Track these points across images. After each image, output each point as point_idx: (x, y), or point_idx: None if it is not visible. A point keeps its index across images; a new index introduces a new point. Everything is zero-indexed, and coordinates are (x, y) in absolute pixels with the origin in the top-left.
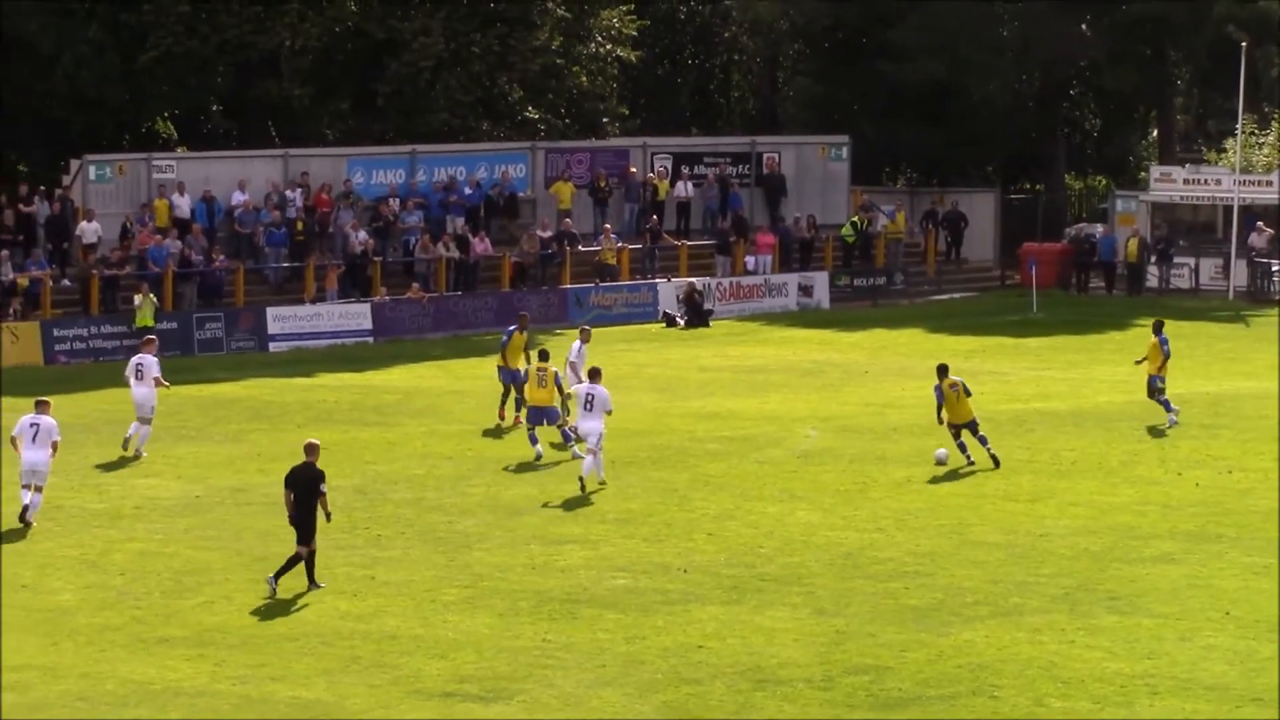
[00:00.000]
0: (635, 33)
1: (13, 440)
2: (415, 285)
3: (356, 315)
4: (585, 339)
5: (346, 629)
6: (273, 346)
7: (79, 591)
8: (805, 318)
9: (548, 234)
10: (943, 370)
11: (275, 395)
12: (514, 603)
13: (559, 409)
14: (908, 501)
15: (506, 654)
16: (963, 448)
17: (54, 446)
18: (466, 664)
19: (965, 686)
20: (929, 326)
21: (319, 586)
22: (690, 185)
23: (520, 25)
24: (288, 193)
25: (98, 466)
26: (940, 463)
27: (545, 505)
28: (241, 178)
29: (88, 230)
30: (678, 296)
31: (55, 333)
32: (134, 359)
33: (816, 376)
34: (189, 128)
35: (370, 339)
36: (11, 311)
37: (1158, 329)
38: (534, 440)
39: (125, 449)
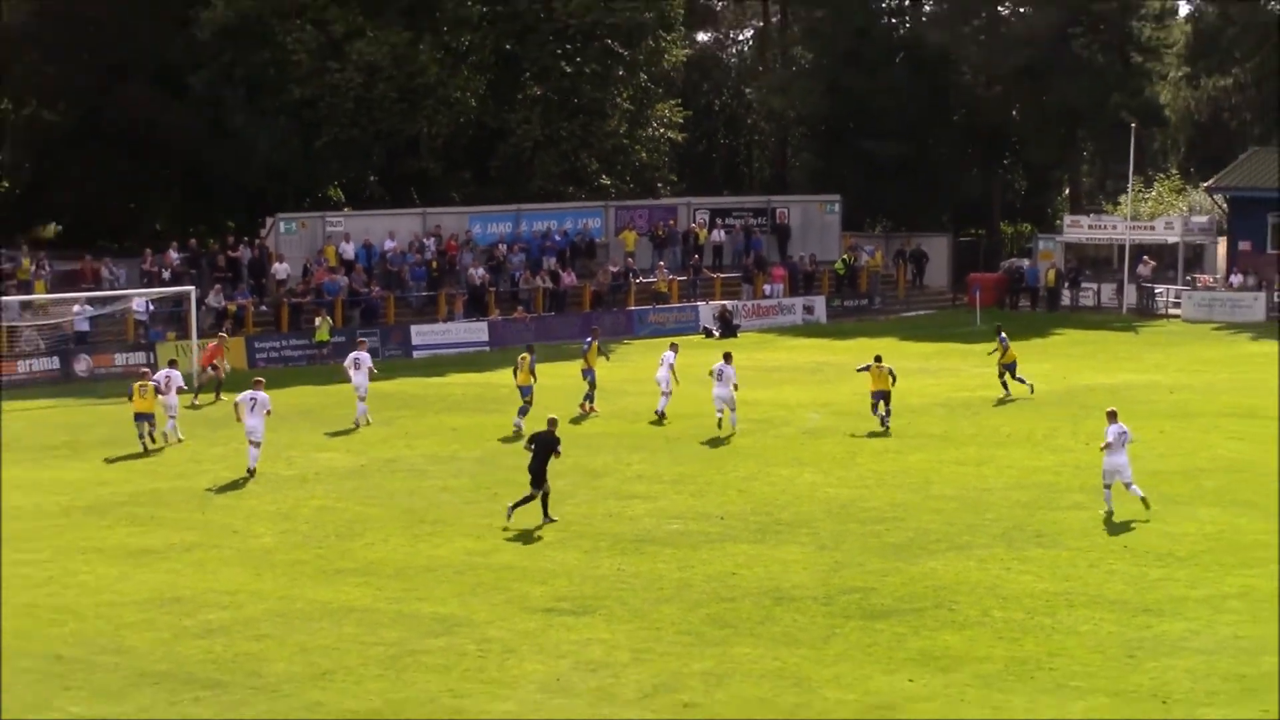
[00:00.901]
0: (681, 120)
1: (235, 406)
2: (520, 308)
3: (477, 331)
4: (675, 350)
5: (473, 562)
6: (415, 354)
7: (276, 535)
8: (808, 330)
9: (617, 269)
10: (878, 358)
11: (418, 390)
12: (595, 542)
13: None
14: (886, 465)
15: (590, 580)
16: (875, 410)
17: (266, 414)
18: (561, 587)
19: (930, 601)
20: (900, 335)
21: (552, 520)
22: (722, 232)
23: (597, 115)
24: (426, 240)
25: (287, 445)
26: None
27: (618, 470)
28: (392, 229)
29: (279, 269)
30: (713, 315)
31: (256, 345)
32: (351, 354)
33: (817, 373)
34: (353, 193)
35: (487, 349)
36: (225, 329)
37: (998, 331)
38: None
39: (356, 425)
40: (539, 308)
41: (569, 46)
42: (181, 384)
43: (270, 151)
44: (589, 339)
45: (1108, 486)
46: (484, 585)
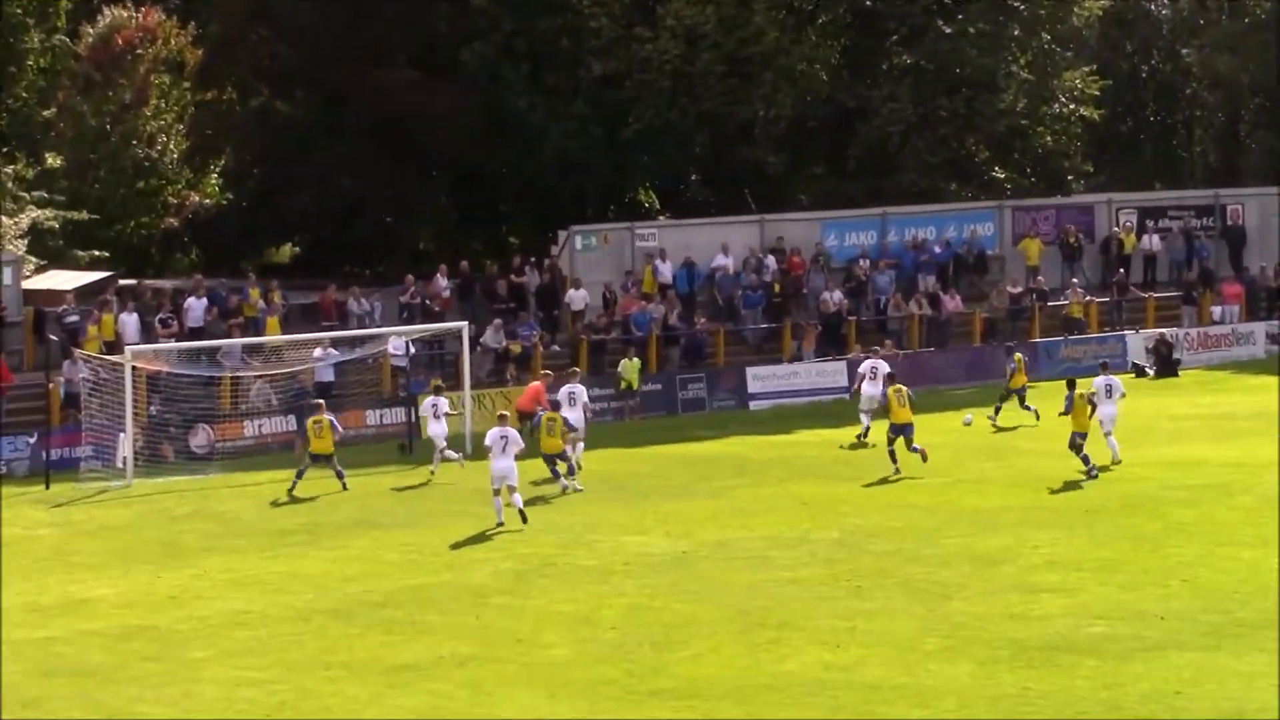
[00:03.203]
0: (1098, 92)
1: (487, 448)
2: (888, 342)
3: (832, 373)
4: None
5: (829, 679)
6: (753, 405)
7: (573, 645)
8: (1272, 365)
9: (1016, 290)
10: None
11: (755, 452)
12: (993, 651)
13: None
14: None
15: (986, 700)
16: None
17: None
18: (948, 712)
19: None
20: None
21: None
22: (1155, 239)
23: (985, 89)
24: (764, 257)
25: (587, 525)
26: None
27: (1021, 554)
28: (721, 242)
29: (576, 298)
30: (1146, 347)
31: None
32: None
33: None
34: (669, 196)
35: (846, 395)
36: (508, 376)
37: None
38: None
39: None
40: (913, 341)
41: (947, 1)
42: (448, 409)
43: (563, 144)
44: (1011, 363)
45: None
46: (844, 710)
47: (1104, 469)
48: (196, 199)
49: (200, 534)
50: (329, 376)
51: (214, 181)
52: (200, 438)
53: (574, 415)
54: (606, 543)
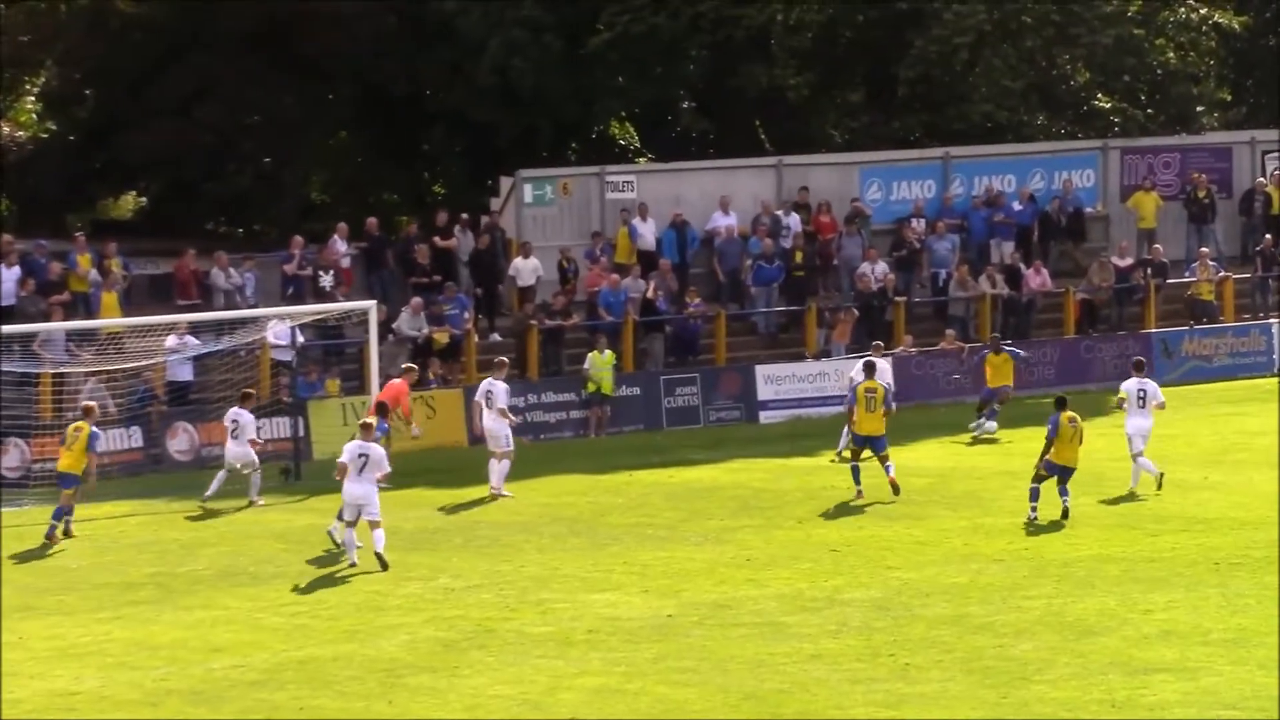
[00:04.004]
0: None
1: (339, 468)
2: (950, 333)
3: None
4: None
5: None
6: (764, 416)
7: None
8: None
9: (1126, 262)
10: None
11: (769, 481)
12: None
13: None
14: None
15: None
16: None
17: (383, 479)
18: None
19: None
20: None
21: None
22: None
23: None
24: (783, 215)
25: (540, 577)
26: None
27: (1127, 622)
28: (722, 195)
29: (523, 269)
30: None
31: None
32: (483, 384)
33: None
34: (653, 131)
35: (893, 404)
36: (431, 375)
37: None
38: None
39: (494, 494)
40: (984, 331)
41: None
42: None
43: (506, 59)
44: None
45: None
46: None
47: (1128, 498)
48: (5, 130)
49: (14, 588)
50: (186, 374)
51: (29, 107)
52: (11, 457)
53: (490, 423)
54: (564, 603)
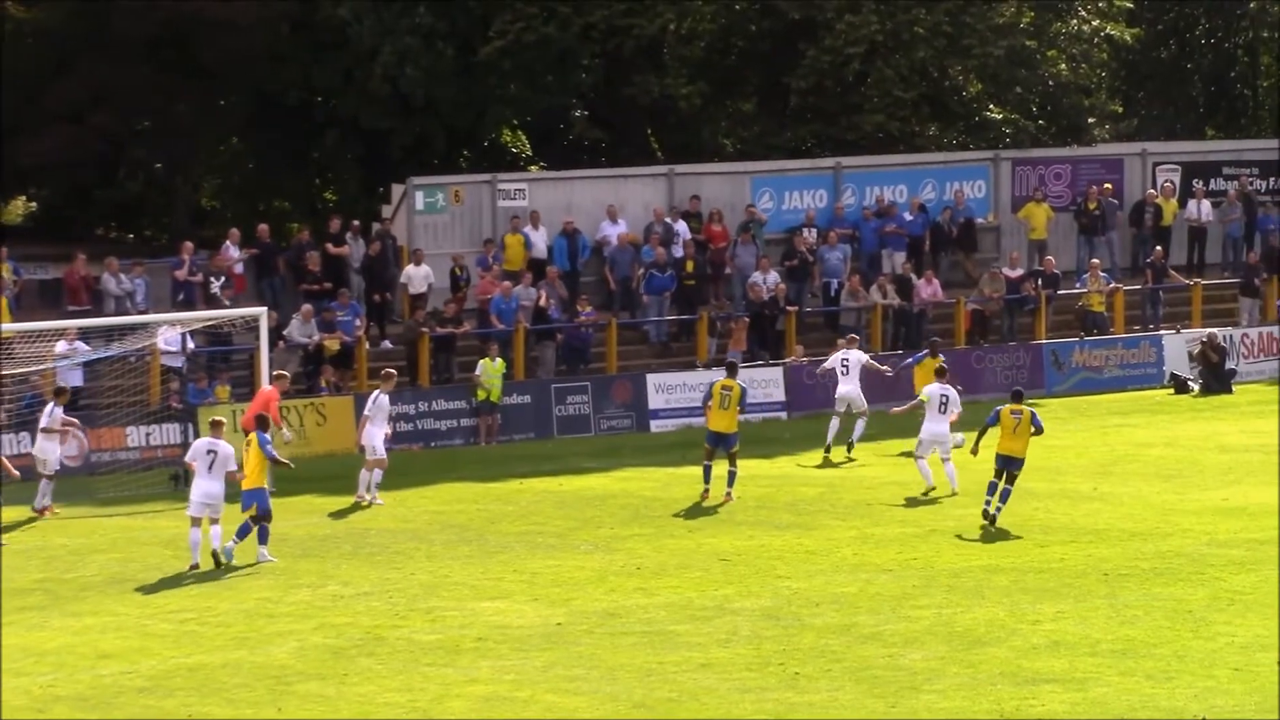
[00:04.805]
0: (1131, 4)
1: (187, 465)
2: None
3: (765, 383)
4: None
5: None
6: (654, 425)
7: None
8: None
9: (1017, 273)
10: None
11: (659, 490)
12: None
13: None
14: None
15: None
16: None
17: (230, 478)
18: None
19: None
20: None
21: None
22: (1206, 205)
23: None
24: (674, 223)
25: (430, 585)
26: None
27: (1016, 632)
28: (613, 204)
29: (415, 276)
30: (1190, 353)
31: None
32: (375, 395)
33: None
34: (544, 139)
35: (783, 414)
36: (323, 383)
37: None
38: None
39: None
40: (876, 342)
41: None
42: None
43: (398, 67)
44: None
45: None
46: None
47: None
48: None
49: None
50: (76, 380)
51: None
52: None
53: (371, 432)
54: (453, 611)
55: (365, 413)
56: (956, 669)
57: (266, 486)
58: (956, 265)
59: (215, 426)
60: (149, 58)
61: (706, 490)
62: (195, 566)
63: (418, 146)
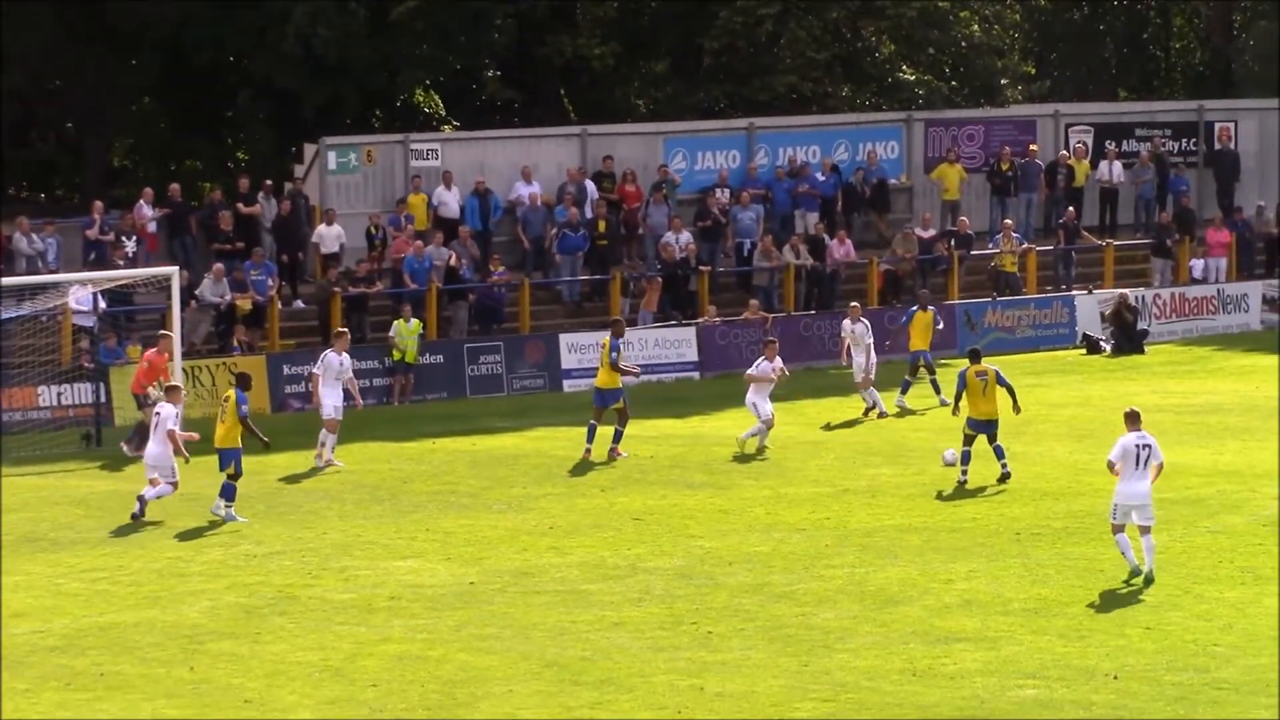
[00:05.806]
0: None
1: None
2: (754, 303)
3: (677, 343)
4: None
5: None
6: (567, 385)
7: (319, 708)
8: (1274, 340)
9: (930, 233)
10: None
11: (572, 449)
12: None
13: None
14: None
15: None
16: None
17: (170, 438)
18: None
19: None
20: None
21: None
22: (1118, 166)
23: None
24: (587, 183)
25: (342, 546)
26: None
27: (929, 591)
28: (526, 164)
29: (327, 236)
30: (1102, 314)
31: (286, 369)
32: (324, 355)
33: None
34: (457, 99)
35: (695, 374)
36: (236, 342)
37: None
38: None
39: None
40: (788, 303)
41: None
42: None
43: (309, 26)
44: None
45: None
46: None
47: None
48: None
49: None
50: None
51: None
52: None
53: (323, 392)
54: (366, 570)
55: (314, 370)
56: (869, 628)
57: (239, 446)
58: (869, 226)
59: (171, 392)
60: (58, 18)
61: (588, 449)
62: (137, 517)
63: (330, 106)
